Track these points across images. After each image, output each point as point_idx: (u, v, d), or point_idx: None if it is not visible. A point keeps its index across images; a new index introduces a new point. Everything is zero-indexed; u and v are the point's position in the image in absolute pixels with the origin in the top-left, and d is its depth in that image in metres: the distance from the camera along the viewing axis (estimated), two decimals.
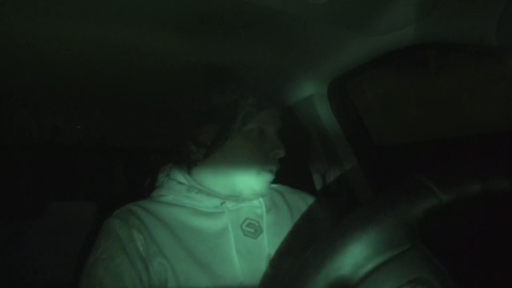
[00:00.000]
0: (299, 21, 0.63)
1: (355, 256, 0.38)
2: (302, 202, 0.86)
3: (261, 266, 0.70)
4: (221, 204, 0.73)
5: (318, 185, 1.10)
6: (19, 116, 1.01)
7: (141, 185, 0.89)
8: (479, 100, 0.75)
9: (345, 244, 0.39)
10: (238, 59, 0.81)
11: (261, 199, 0.77)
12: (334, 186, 1.02)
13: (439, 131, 0.84)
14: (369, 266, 0.38)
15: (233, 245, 0.69)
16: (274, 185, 0.87)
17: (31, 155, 1.28)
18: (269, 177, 0.76)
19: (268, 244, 0.72)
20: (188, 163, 0.77)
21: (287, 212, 0.81)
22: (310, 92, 0.96)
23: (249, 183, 0.74)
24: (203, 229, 0.70)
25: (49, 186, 1.29)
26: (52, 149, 1.29)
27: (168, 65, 0.81)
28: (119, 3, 0.54)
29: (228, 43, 0.73)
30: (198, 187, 0.75)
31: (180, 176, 0.77)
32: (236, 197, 0.75)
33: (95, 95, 0.93)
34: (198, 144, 0.75)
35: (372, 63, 0.77)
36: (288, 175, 0.92)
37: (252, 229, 0.74)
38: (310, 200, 0.88)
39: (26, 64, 0.72)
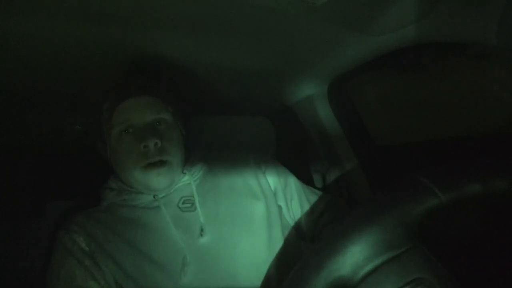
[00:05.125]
0: (299, 21, 0.63)
1: (355, 256, 0.38)
2: (237, 159, 0.87)
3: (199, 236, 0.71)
4: (154, 197, 0.75)
5: (318, 185, 1.10)
6: (19, 116, 1.01)
7: None
8: (479, 100, 0.75)
9: (345, 244, 0.39)
10: (238, 59, 0.81)
11: (188, 177, 0.78)
12: (334, 186, 1.02)
13: (439, 131, 0.84)
14: (369, 267, 0.38)
15: (171, 224, 0.71)
16: (209, 153, 0.88)
17: (31, 155, 1.28)
18: (157, 170, 0.71)
19: (202, 213, 0.73)
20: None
21: (223, 174, 0.82)
22: (310, 92, 0.96)
23: (142, 183, 0.73)
24: (141, 219, 0.72)
25: (49, 186, 1.29)
26: (52, 149, 1.30)
27: (168, 65, 0.81)
28: (119, 4, 0.54)
29: (227, 43, 0.73)
30: (128, 189, 0.77)
31: (112, 183, 0.80)
32: (153, 193, 0.75)
33: (95, 95, 0.93)
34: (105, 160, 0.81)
35: (372, 63, 0.77)
36: None
37: (189, 204, 0.75)
38: (244, 156, 0.89)
39: (25, 64, 0.72)
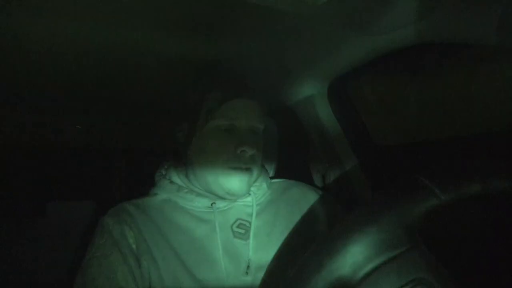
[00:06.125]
0: (299, 21, 0.63)
1: (355, 256, 0.38)
2: (302, 197, 0.82)
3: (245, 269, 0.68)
4: (211, 204, 0.72)
5: (318, 185, 1.10)
6: (19, 116, 1.01)
7: (142, 185, 0.89)
8: (479, 100, 0.75)
9: (345, 244, 0.39)
10: (238, 59, 0.81)
11: (251, 198, 0.75)
12: (334, 186, 1.02)
13: (438, 131, 0.84)
14: (369, 267, 0.38)
15: (220, 247, 0.68)
16: (276, 180, 0.86)
17: (31, 155, 1.28)
18: (241, 175, 0.70)
19: (252, 247, 0.70)
20: (181, 163, 0.79)
21: (285, 210, 0.78)
22: (310, 92, 0.96)
23: (221, 183, 0.71)
24: (192, 230, 0.70)
25: (49, 186, 1.29)
26: (52, 149, 1.29)
27: (169, 65, 0.81)
28: (118, 4, 0.54)
29: (228, 43, 0.73)
30: (189, 187, 0.75)
31: (174, 176, 0.77)
32: (224, 197, 0.73)
33: (95, 95, 0.93)
34: (177, 143, 0.78)
35: (372, 63, 0.77)
36: (288, 175, 0.92)
37: (243, 230, 0.72)
38: (311, 195, 0.83)
39: (26, 64, 0.72)
